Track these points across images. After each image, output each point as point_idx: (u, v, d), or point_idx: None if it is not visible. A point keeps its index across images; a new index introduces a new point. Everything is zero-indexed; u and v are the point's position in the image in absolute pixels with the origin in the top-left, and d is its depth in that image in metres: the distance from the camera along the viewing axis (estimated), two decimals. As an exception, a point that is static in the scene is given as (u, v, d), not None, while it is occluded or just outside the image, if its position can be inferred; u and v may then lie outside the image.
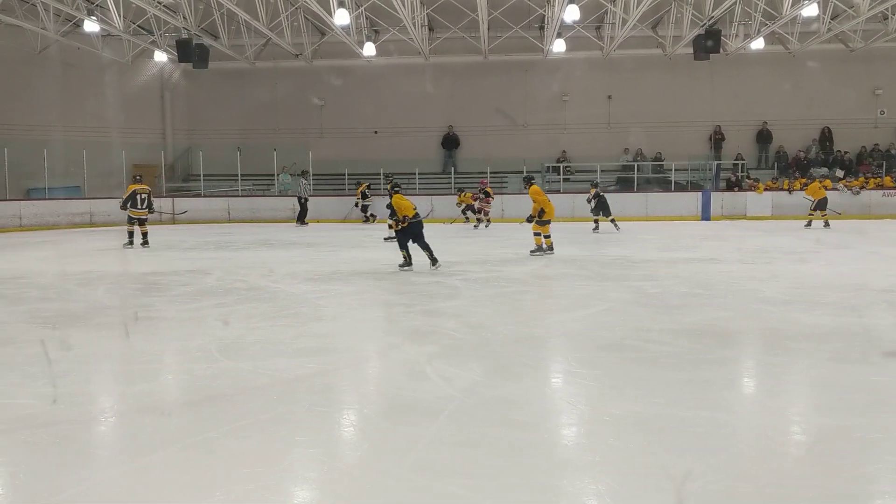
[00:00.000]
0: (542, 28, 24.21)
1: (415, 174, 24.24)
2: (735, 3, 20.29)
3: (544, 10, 22.89)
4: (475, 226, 20.45)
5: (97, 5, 20.35)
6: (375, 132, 26.13)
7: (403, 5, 19.22)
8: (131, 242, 14.79)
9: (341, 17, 19.61)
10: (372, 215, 22.27)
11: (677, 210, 23.14)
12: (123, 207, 14.79)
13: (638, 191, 24.05)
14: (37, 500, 3.37)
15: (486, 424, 4.17)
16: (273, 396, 4.78)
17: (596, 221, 18.61)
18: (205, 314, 7.70)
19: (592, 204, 18.47)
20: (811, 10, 19.92)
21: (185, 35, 21.42)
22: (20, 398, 4.80)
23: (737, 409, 4.61)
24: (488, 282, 9.86)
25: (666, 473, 3.45)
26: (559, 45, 23.00)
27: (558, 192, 23.49)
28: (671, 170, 24.85)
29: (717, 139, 25.75)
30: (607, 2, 22.03)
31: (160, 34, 23.08)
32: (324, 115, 26.60)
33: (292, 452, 3.83)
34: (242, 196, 24.52)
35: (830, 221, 18.91)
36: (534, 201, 12.92)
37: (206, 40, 22.36)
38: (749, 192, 23.43)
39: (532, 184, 13.42)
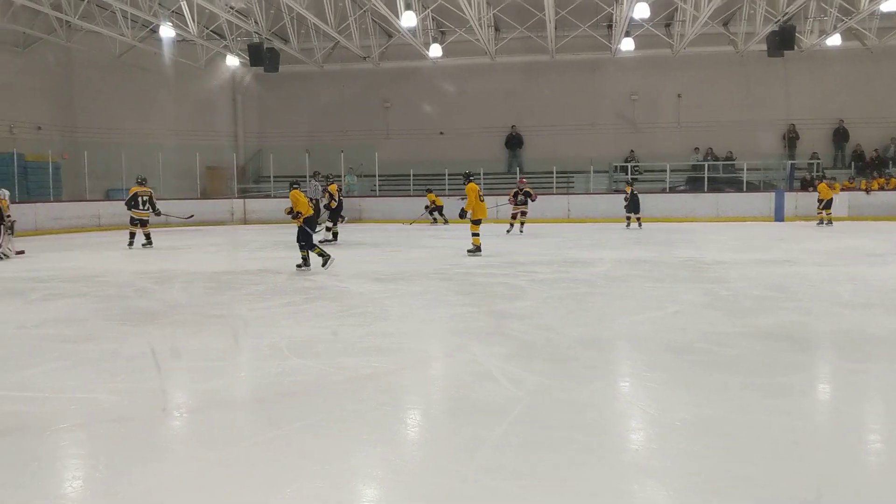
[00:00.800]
0: (610, 26, 23.92)
1: (480, 174, 24.21)
2: (810, -2, 19.72)
3: (612, 9, 22.62)
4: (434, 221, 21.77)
5: (173, 11, 20.93)
6: (441, 133, 26.22)
7: (470, 6, 19.24)
8: (131, 244, 15.18)
9: (408, 20, 19.74)
10: (440, 215, 22.27)
11: (749, 211, 22.56)
12: (128, 207, 15.24)
13: (708, 191, 23.53)
14: (114, 493, 3.47)
15: (553, 427, 4.13)
16: (341, 395, 4.83)
17: (628, 219, 19.69)
18: (275, 313, 7.83)
19: (627, 202, 19.63)
20: (890, 6, 19.17)
21: (256, 39, 21.88)
22: (98, 393, 4.96)
23: (814, 416, 4.46)
24: (556, 283, 9.78)
25: (744, 481, 3.36)
26: (628, 44, 22.68)
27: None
28: (743, 169, 24.24)
29: (790, 138, 25.03)
30: (677, -1, 21.65)
31: (232, 39, 23.63)
32: (390, 116, 26.83)
33: (360, 451, 3.86)
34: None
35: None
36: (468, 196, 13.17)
37: (277, 44, 22.81)
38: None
39: (469, 181, 13.40)
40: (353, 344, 6.25)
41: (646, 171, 24.98)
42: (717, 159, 24.99)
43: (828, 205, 20.29)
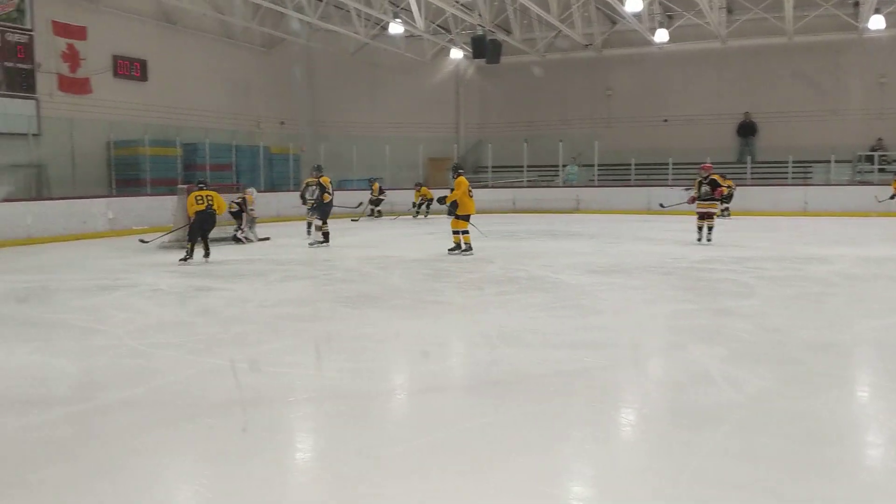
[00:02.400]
0: (856, 4, 21.77)
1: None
2: None
3: (862, -17, 20.58)
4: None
5: (402, 8, 21.83)
6: (665, 120, 25.27)
7: (699, -12, 18.34)
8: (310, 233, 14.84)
9: (633, 5, 19.17)
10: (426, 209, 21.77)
11: None
12: (302, 200, 15.03)
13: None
14: (325, 466, 3.66)
15: (778, 437, 3.81)
16: (550, 388, 4.78)
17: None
18: (487, 301, 7.93)
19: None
20: None
21: (479, 32, 22.28)
22: (323, 370, 5.27)
23: None
24: (787, 280, 9.08)
25: None
26: (877, 22, 20.49)
27: (870, 183, 21.07)
28: None
29: None
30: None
31: (457, 32, 24.24)
32: (612, 104, 26.27)
33: (565, 446, 3.79)
34: (528, 187, 25.01)
35: None
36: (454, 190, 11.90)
37: (500, 36, 23.09)
38: None
39: (459, 175, 12.08)
40: (564, 336, 6.18)
41: (894, 160, 22.52)
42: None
43: None
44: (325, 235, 13.65)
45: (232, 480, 3.42)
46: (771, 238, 14.52)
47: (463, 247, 11.81)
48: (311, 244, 13.52)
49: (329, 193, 13.91)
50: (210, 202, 11.23)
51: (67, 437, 3.96)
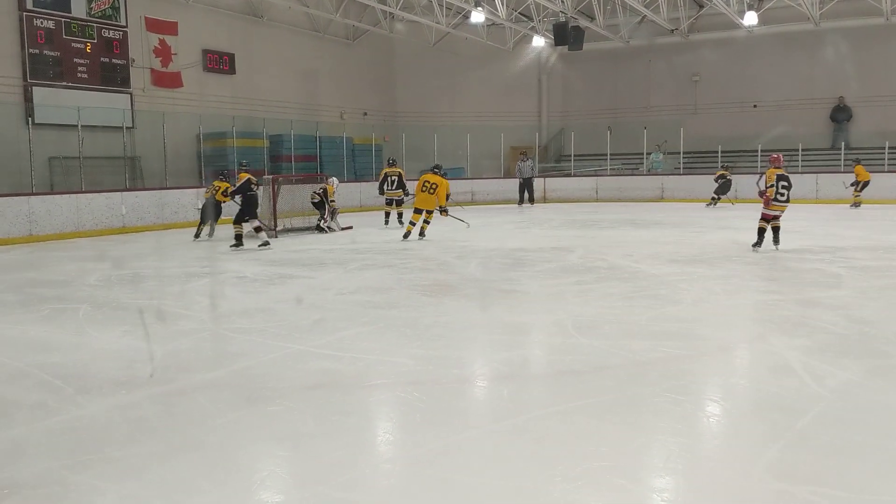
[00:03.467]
0: (961, -21, 20.59)
1: (798, 150, 22.23)
2: None
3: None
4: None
5: (484, -3, 21.80)
6: (754, 106, 24.48)
7: (790, -33, 17.65)
8: (387, 223, 15.75)
9: (720, -13, 18.62)
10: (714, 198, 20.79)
11: None
12: (380, 191, 15.89)
13: None
14: (401, 451, 3.73)
15: (860, 431, 3.68)
16: (624, 377, 4.73)
17: (713, 200, 20.10)
18: (564, 290, 7.87)
19: (718, 183, 20.02)
20: None
21: (562, 18, 22.02)
22: (398, 357, 5.35)
23: None
24: (879, 271, 8.71)
25: None
26: (985, -3, 19.33)
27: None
28: None
29: None
30: None
31: (539, 19, 24.01)
32: (698, 90, 25.59)
33: (638, 437, 3.74)
34: (610, 175, 24.64)
35: None
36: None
37: (582, 22, 22.78)
38: None
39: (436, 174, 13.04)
40: (641, 327, 6.09)
41: None
42: None
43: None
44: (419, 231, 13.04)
45: (307, 462, 3.52)
46: (865, 227, 13.93)
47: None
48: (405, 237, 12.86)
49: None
50: (214, 192, 12.99)
51: (150, 416, 4.15)
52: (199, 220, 13.68)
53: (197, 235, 13.43)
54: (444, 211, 13.07)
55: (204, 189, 14.67)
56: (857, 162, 19.36)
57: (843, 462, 3.33)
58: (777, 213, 10.26)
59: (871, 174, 18.81)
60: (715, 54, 24.73)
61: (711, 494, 3.13)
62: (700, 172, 23.80)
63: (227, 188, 13.12)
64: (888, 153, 21.26)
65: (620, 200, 23.11)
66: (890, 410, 3.99)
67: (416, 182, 13.18)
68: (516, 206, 22.00)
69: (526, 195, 22.24)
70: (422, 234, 12.78)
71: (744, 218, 15.96)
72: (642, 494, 3.19)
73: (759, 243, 10.31)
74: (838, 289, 7.73)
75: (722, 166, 21.03)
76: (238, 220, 11.95)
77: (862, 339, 5.55)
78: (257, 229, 12.00)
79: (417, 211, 12.90)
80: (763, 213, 10.33)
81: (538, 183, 23.43)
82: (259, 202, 12.58)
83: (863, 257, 9.73)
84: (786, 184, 10.15)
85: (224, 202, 13.38)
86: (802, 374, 4.65)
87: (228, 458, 3.55)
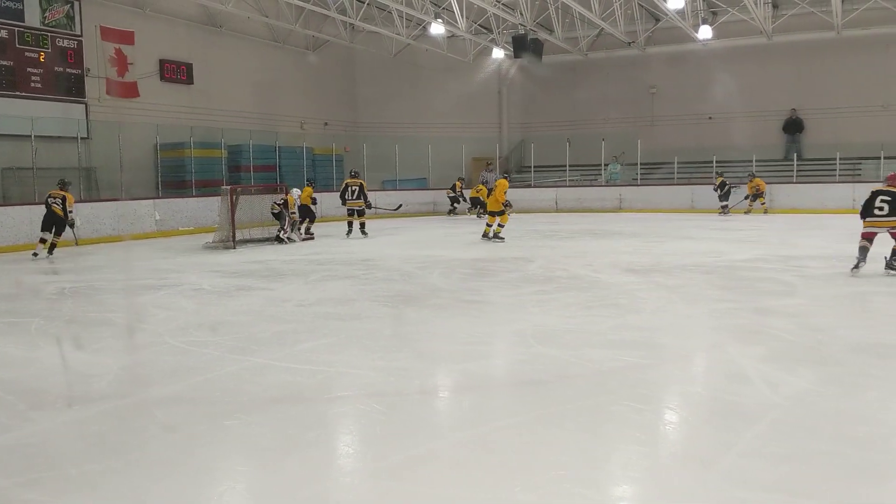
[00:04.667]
0: (908, -5, 21.21)
1: (751, 161, 22.69)
2: None
3: (913, -27, 20.02)
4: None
5: (443, 8, 21.88)
6: (709, 118, 24.91)
7: (744, -18, 18.04)
8: (349, 232, 15.94)
9: (676, 1, 18.97)
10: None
11: None
12: (342, 200, 16.05)
13: None
14: (362, 464, 3.71)
15: (814, 438, 3.75)
16: (584, 387, 4.77)
17: (723, 208, 20.78)
18: (525, 300, 7.92)
19: (720, 192, 20.81)
20: None
21: (521, 31, 22.21)
22: (361, 369, 5.31)
23: None
24: (832, 279, 8.89)
25: None
26: (930, 14, 19.93)
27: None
28: None
29: None
30: None
31: (499, 31, 24.19)
32: (655, 102, 25.99)
33: (598, 446, 3.77)
34: (570, 186, 24.87)
35: None
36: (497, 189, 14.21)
37: (541, 35, 22.99)
38: None
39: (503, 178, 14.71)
40: (601, 336, 6.15)
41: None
42: None
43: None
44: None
45: (266, 477, 3.48)
46: (817, 236, 14.24)
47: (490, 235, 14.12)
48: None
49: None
50: (53, 202, 12.55)
51: (105, 432, 4.07)
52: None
53: None
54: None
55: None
56: (753, 176, 21.21)
57: (798, 468, 3.39)
58: (874, 229, 9.17)
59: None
60: (671, 67, 25.14)
61: (670, 503, 3.16)
62: (657, 183, 24.17)
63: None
64: (839, 164, 21.79)
65: (580, 211, 23.31)
66: (843, 417, 4.07)
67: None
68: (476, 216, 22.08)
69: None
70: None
71: (702, 228, 16.25)
72: (602, 503, 3.21)
73: (857, 264, 9.00)
74: (792, 297, 7.88)
75: (717, 173, 21.79)
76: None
77: (815, 346, 5.66)
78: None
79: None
80: (862, 233, 9.24)
81: (499, 193, 23.47)
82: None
83: (816, 266, 9.94)
84: (887, 198, 9.10)
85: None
86: (758, 382, 4.73)
87: (186, 473, 3.50)
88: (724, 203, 20.89)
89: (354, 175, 16.35)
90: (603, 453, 3.68)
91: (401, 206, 21.16)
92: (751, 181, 21.03)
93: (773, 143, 24.06)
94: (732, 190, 21.04)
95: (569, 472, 3.41)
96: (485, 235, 14.19)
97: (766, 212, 20.70)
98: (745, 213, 20.74)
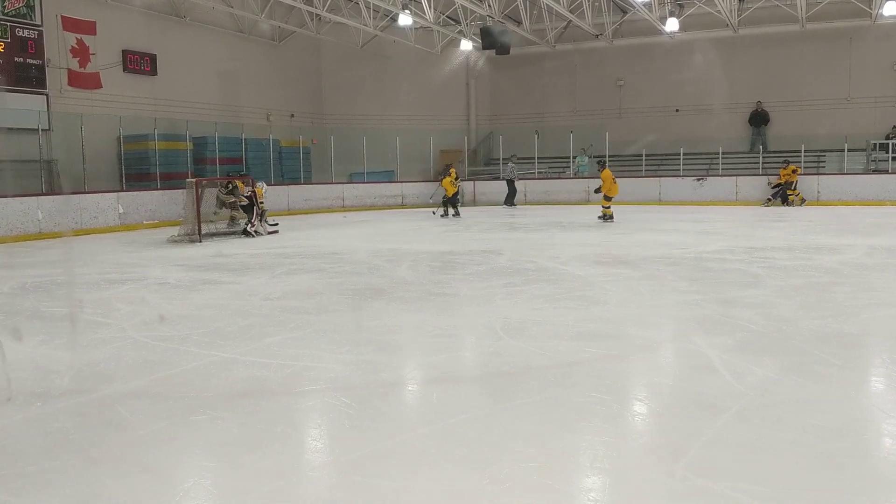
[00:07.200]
0: (870, -10, 21.56)
1: (718, 154, 22.94)
2: None
3: (875, -32, 20.34)
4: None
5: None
6: (676, 110, 25.14)
7: (709, -24, 18.18)
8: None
9: (643, -6, 19.08)
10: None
11: None
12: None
13: None
14: (329, 458, 3.68)
15: (779, 427, 3.79)
16: (551, 379, 4.78)
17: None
18: (493, 292, 7.91)
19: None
20: None
21: (489, 22, 22.19)
22: (327, 362, 5.27)
23: None
24: (795, 270, 9.02)
25: None
26: (891, 8, 20.24)
27: (886, 171, 20.93)
28: None
29: None
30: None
31: (467, 23, 24.14)
32: (622, 95, 26.15)
33: (563, 436, 3.78)
34: (538, 179, 24.95)
35: None
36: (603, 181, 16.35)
37: (509, 26, 22.99)
38: None
39: (604, 168, 16.75)
40: (568, 327, 6.16)
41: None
42: None
43: None
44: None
45: (232, 471, 3.44)
46: (782, 228, 14.43)
47: (606, 217, 16.37)
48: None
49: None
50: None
51: (67, 428, 3.99)
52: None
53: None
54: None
55: None
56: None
57: (763, 458, 3.42)
58: None
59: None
60: (638, 60, 25.32)
61: (637, 493, 3.18)
62: (626, 175, 24.32)
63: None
64: (804, 156, 22.09)
65: (548, 203, 23.41)
66: (807, 406, 4.12)
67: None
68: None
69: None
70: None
71: (669, 220, 16.39)
72: (570, 494, 3.22)
73: None
74: (757, 288, 7.97)
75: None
76: None
77: (780, 336, 5.73)
78: None
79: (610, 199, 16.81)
80: None
81: (467, 186, 23.55)
82: None
83: (780, 257, 10.07)
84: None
85: None
86: (723, 372, 4.77)
87: (150, 470, 3.44)
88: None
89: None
90: (570, 444, 3.69)
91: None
92: (785, 168, 20.81)
93: (740, 135, 24.36)
94: (701, 182, 21.21)
95: (536, 464, 3.41)
96: (602, 217, 16.45)
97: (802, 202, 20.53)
98: (800, 204, 20.41)
